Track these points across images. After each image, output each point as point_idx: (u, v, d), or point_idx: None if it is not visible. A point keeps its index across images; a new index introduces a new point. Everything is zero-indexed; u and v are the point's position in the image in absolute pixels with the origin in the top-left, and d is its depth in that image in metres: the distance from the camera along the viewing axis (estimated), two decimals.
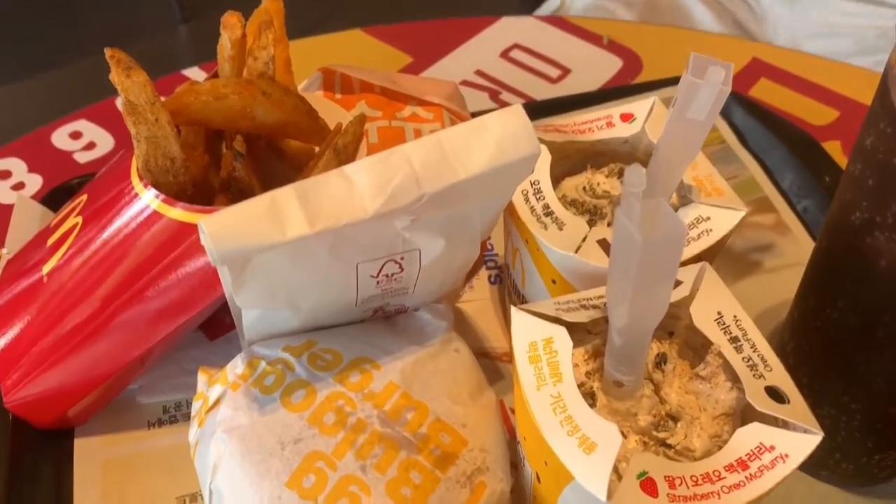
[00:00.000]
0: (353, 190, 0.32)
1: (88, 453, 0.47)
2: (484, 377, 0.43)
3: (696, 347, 0.39)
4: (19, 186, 0.63)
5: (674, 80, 0.69)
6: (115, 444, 0.47)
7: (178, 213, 0.39)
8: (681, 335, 0.40)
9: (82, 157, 0.65)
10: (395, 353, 0.40)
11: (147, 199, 0.40)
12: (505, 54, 0.75)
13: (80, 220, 0.44)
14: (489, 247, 0.57)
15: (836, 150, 0.65)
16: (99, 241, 0.43)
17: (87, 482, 0.45)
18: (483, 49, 0.76)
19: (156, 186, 0.40)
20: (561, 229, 0.42)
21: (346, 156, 0.42)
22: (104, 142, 0.67)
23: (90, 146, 0.66)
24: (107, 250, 0.42)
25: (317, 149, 0.45)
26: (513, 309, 0.38)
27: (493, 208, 0.39)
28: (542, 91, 0.71)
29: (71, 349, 0.43)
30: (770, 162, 0.63)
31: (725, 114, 0.66)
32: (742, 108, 0.66)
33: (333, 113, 0.46)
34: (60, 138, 0.67)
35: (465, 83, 0.72)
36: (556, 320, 0.37)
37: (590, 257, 0.41)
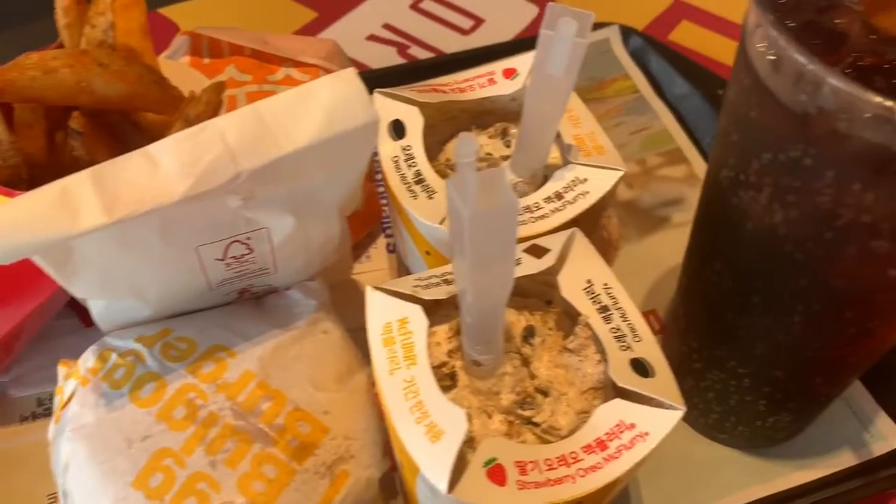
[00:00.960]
0: (158, 172, 0.29)
1: None
2: (357, 358, 0.40)
3: (574, 317, 0.37)
4: None
5: None
6: None
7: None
8: (559, 304, 0.38)
9: None
10: (254, 339, 0.38)
11: None
12: (415, 5, 0.71)
13: None
14: (387, 213, 0.55)
15: None
16: None
17: None
18: (392, 0, 0.72)
19: None
20: (431, 198, 0.40)
21: None
22: None
23: None
24: None
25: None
26: (368, 289, 0.35)
27: (345, 180, 0.36)
28: (454, 43, 0.68)
29: None
30: (685, 111, 0.60)
31: (640, 61, 0.64)
32: (657, 54, 0.63)
33: (194, 81, 0.43)
34: None
35: (372, 38, 0.68)
36: (413, 299, 0.35)
37: None
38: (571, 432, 0.33)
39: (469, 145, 0.28)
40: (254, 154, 0.30)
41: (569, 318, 0.38)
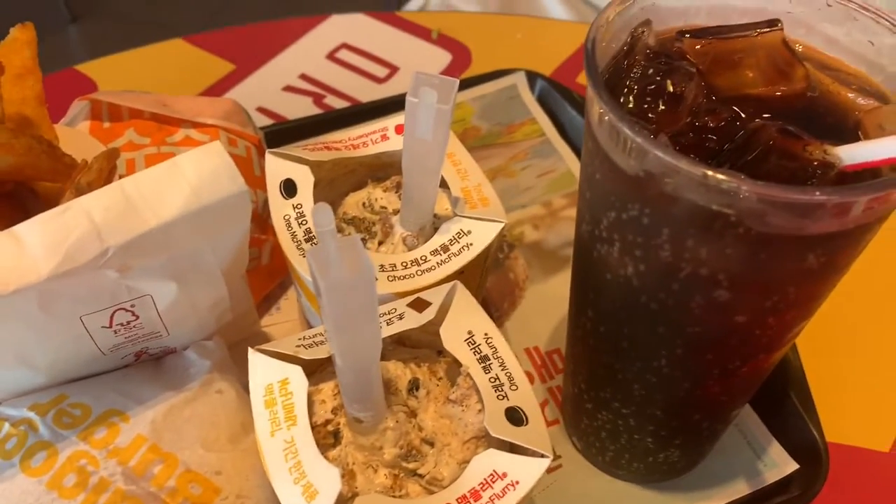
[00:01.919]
0: (24, 251, 0.30)
1: None
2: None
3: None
4: None
5: (498, 74, 0.68)
6: None
7: None
8: (450, 354, 0.39)
9: None
10: (147, 402, 0.39)
11: None
12: (332, 55, 0.73)
13: None
14: None
15: None
16: None
17: None
18: (309, 51, 0.73)
19: None
20: None
21: None
22: None
23: None
24: None
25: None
26: (249, 350, 0.36)
27: (224, 246, 0.37)
28: (369, 92, 0.69)
29: None
30: None
31: (546, 105, 0.66)
32: (562, 98, 0.65)
33: (91, 147, 0.44)
34: None
35: (289, 88, 0.70)
36: (294, 359, 0.36)
37: None
38: (454, 482, 0.35)
39: (325, 215, 0.29)
40: (120, 230, 0.31)
41: (458, 366, 0.39)
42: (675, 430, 0.41)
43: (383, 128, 0.47)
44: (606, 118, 0.29)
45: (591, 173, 0.33)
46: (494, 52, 0.73)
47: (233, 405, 0.40)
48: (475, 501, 0.33)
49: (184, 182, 0.32)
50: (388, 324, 0.37)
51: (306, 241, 0.42)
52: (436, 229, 0.43)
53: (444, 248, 0.41)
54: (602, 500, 0.46)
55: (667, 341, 0.34)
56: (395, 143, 0.47)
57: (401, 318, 0.38)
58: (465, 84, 0.67)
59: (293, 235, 0.42)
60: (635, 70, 0.33)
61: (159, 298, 0.36)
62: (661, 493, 0.46)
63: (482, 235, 0.41)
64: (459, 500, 0.33)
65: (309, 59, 0.73)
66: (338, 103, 0.69)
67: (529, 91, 0.67)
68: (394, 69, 0.72)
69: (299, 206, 0.43)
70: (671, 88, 0.32)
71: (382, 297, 0.40)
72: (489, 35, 0.75)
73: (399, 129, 0.47)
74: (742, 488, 0.46)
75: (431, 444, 0.36)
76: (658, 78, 0.32)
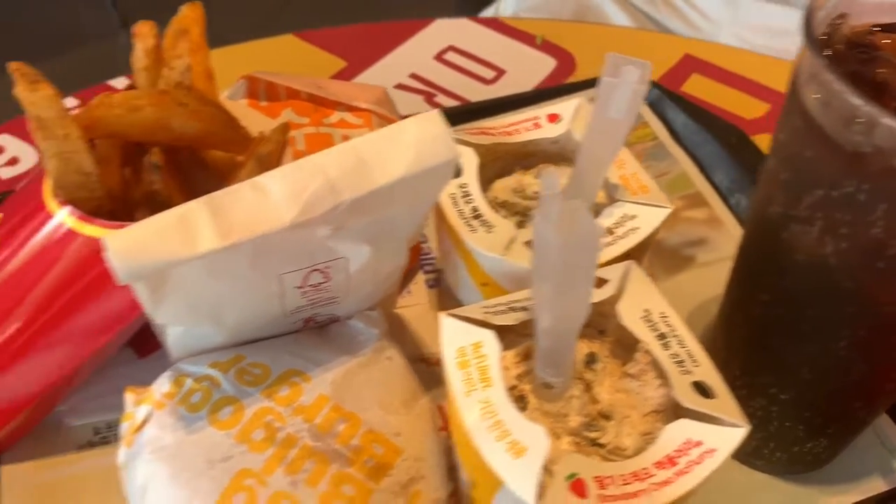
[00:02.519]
0: (268, 200, 0.32)
1: (18, 479, 0.45)
2: (418, 385, 0.42)
3: (628, 345, 0.39)
4: None
5: None
6: (45, 468, 0.46)
7: (93, 229, 0.38)
8: (613, 333, 0.40)
9: (5, 173, 0.63)
10: (325, 365, 0.40)
11: (61, 217, 0.39)
12: (439, 57, 0.75)
13: None
14: (426, 250, 0.57)
15: (767, 143, 0.66)
16: (15, 261, 0.41)
17: None
18: (417, 52, 0.75)
19: (71, 203, 0.39)
20: (489, 232, 0.42)
21: (268, 164, 0.41)
22: (28, 156, 0.64)
23: (13, 161, 0.64)
24: (24, 270, 0.41)
25: (240, 158, 0.44)
26: (441, 315, 0.37)
27: (418, 214, 0.38)
28: (477, 93, 0.71)
29: None
30: (702, 157, 0.64)
31: (657, 110, 0.67)
32: (673, 104, 0.67)
33: (257, 121, 0.46)
34: None
35: (400, 86, 0.72)
36: (485, 324, 0.37)
37: (518, 259, 0.41)
38: (636, 452, 0.35)
39: (553, 179, 0.31)
40: (352, 186, 0.32)
41: (621, 346, 0.40)
42: (831, 417, 0.42)
43: (535, 116, 0.49)
44: (828, 92, 0.31)
45: (795, 152, 0.34)
46: (598, 59, 0.74)
47: (402, 372, 0.41)
48: (672, 467, 0.33)
49: (407, 145, 0.33)
50: None
51: (473, 217, 0.43)
52: (596, 214, 0.44)
53: (610, 231, 0.42)
54: (739, 490, 0.46)
55: (853, 322, 0.35)
56: (545, 132, 0.48)
57: None
58: (577, 88, 0.68)
59: (460, 213, 0.43)
60: (838, 58, 0.34)
61: (353, 262, 0.37)
62: (798, 486, 0.46)
63: (648, 220, 0.43)
64: (656, 465, 0.33)
65: (418, 59, 0.75)
66: (448, 102, 0.70)
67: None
68: (500, 72, 0.74)
69: (464, 186, 0.44)
70: (874, 76, 0.33)
71: None
72: (590, 43, 0.77)
73: (552, 118, 0.48)
74: (878, 485, 0.46)
75: (608, 418, 0.37)
76: (862, 65, 0.33)
